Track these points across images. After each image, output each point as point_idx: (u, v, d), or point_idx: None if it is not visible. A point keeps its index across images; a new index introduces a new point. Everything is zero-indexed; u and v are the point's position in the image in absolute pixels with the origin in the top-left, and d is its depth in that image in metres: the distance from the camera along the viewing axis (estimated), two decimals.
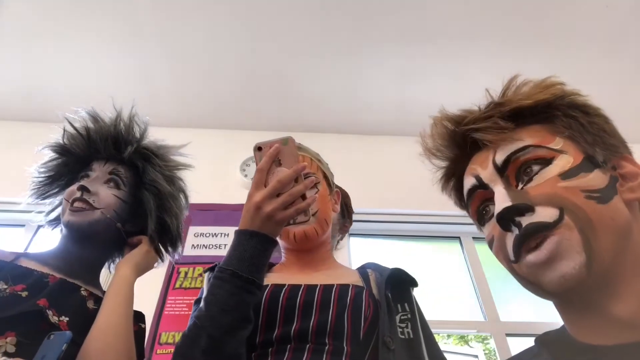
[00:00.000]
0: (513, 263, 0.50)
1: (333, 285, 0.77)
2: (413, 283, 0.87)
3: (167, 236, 0.97)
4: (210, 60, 2.16)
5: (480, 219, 0.57)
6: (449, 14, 1.93)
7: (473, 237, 2.21)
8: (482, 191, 0.54)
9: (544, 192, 0.47)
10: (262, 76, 2.26)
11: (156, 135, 1.01)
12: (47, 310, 0.70)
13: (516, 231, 0.48)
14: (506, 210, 0.48)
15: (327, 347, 0.68)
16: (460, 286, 2.12)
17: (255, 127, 2.41)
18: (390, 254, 2.31)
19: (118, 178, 0.91)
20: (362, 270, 0.88)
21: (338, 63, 2.18)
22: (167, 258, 1.01)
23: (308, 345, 0.69)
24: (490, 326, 1.91)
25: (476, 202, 0.56)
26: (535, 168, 0.49)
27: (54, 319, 0.70)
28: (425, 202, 2.24)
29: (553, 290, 0.45)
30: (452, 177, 0.63)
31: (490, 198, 0.52)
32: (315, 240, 0.86)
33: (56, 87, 2.22)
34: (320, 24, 1.97)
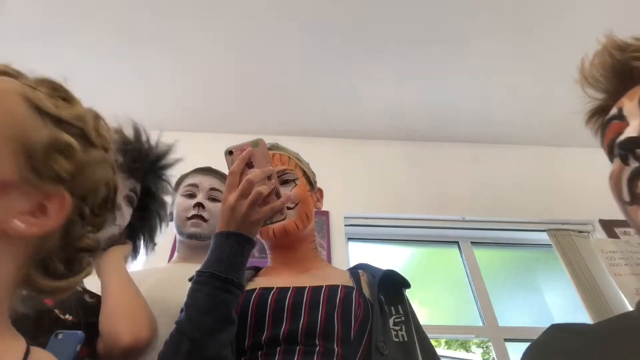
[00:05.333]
0: (628, 205, 0.45)
1: (322, 286, 0.76)
2: (405, 284, 0.85)
3: (148, 245, 1.04)
4: (209, 64, 2.17)
5: (610, 153, 0.52)
6: (447, 18, 1.94)
7: (471, 242, 2.16)
8: (618, 123, 0.49)
9: None
10: (262, 80, 2.26)
11: (154, 138, 1.02)
12: (54, 310, 0.71)
13: (634, 164, 0.43)
14: (628, 140, 0.44)
15: (317, 349, 0.67)
16: (459, 291, 2.12)
17: (254, 132, 2.39)
18: (388, 259, 2.30)
19: (135, 197, 0.94)
20: (353, 271, 0.87)
21: (337, 68, 2.19)
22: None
23: (298, 347, 0.67)
24: (488, 331, 1.91)
25: (610, 134, 0.51)
26: None
27: (61, 317, 0.71)
28: (424, 206, 2.26)
29: None
30: (603, 113, 0.55)
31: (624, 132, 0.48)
32: (295, 234, 0.84)
33: None
34: (319, 28, 1.98)
